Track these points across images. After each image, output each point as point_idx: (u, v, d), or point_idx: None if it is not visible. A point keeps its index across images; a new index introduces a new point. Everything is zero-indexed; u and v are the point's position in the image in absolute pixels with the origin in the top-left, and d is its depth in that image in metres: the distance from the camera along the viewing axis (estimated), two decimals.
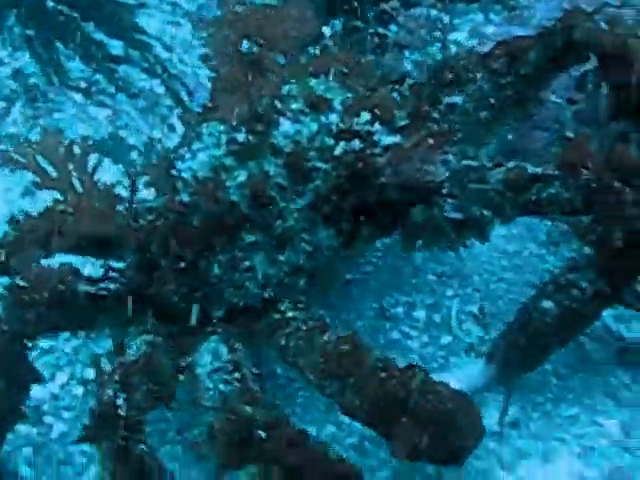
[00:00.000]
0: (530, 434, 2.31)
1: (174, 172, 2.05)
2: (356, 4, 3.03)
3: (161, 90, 3.58)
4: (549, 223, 2.70)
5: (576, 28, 2.03)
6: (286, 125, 2.00)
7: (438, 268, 2.68)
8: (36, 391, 2.27)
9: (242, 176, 1.99)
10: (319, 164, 1.97)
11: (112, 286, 2.09)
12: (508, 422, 2.33)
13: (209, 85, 2.25)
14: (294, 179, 1.98)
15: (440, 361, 2.45)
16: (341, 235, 2.01)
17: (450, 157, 1.98)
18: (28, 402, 2.21)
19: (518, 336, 2.15)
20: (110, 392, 1.92)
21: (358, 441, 2.30)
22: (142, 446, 1.91)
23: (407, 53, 2.93)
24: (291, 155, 1.98)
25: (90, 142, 2.28)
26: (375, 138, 1.97)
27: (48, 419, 2.38)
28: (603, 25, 2.02)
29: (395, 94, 2.09)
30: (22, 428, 2.29)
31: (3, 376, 2.11)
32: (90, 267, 2.36)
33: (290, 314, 2.00)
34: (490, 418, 2.31)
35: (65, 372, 2.48)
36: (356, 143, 1.97)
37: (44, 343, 2.51)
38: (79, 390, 2.45)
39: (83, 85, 3.63)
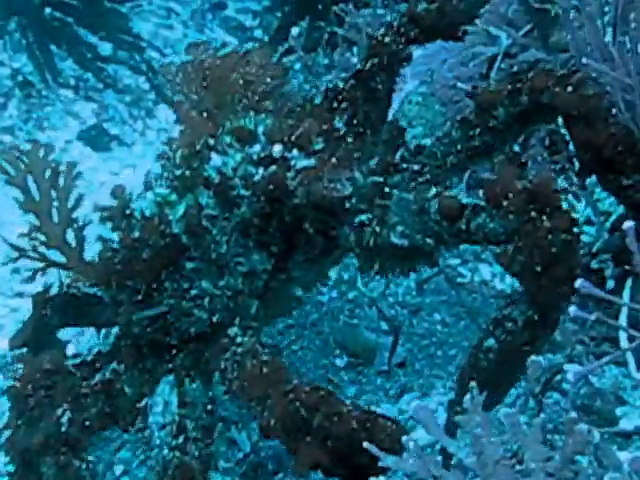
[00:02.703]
0: (414, 372, 2.62)
1: (127, 211, 2.18)
2: (320, 7, 3.34)
3: (146, 86, 3.93)
4: None
5: (545, 91, 2.06)
6: (216, 159, 2.12)
7: None
8: None
9: (181, 210, 2.13)
10: (243, 191, 2.09)
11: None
12: (396, 363, 2.65)
13: None
14: (223, 208, 2.11)
15: (347, 314, 2.78)
16: (273, 258, 2.14)
17: (357, 174, 2.11)
18: None
19: (470, 378, 2.10)
20: (60, 411, 2.15)
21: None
22: (83, 465, 2.14)
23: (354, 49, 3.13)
24: (218, 185, 2.10)
25: (75, 171, 2.25)
26: (291, 163, 2.08)
27: None
28: (570, 89, 2.05)
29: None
30: None
31: None
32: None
33: (239, 340, 2.14)
34: (382, 359, 2.64)
35: None
36: (273, 169, 2.07)
37: None
38: None
39: (73, 83, 3.96)
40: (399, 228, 2.10)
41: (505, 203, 1.98)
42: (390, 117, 2.33)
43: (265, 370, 2.03)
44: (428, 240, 2.08)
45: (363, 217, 2.13)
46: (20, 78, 3.99)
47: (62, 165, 2.21)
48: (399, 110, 2.28)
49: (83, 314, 2.35)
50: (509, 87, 2.10)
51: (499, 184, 2.00)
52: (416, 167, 2.19)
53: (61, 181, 2.22)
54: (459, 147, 2.18)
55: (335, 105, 2.31)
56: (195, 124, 2.16)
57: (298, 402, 1.90)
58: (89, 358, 2.26)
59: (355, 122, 2.27)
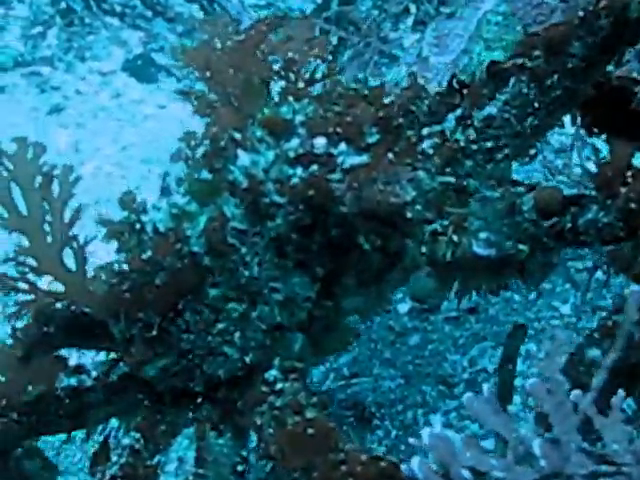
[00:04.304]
0: (487, 319, 2.48)
1: (138, 226, 1.85)
2: None
3: (200, 15, 3.87)
4: None
5: (630, 4, 1.71)
6: (243, 157, 1.76)
7: None
8: None
9: (202, 223, 1.79)
10: (277, 198, 1.74)
11: (95, 373, 1.95)
12: (466, 308, 2.50)
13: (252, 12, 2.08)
14: (253, 220, 1.77)
15: None
16: (318, 282, 1.79)
17: (421, 173, 1.75)
18: None
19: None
20: None
21: None
22: None
23: None
24: (246, 191, 1.75)
25: (74, 176, 1.95)
26: (337, 160, 1.73)
27: None
28: None
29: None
30: None
31: None
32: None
33: (279, 385, 1.81)
34: (450, 303, 2.40)
35: None
36: (313, 168, 1.73)
37: None
38: None
39: (119, 10, 3.93)
40: (483, 235, 1.76)
41: (623, 190, 1.69)
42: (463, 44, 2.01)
43: (311, 431, 1.70)
44: (521, 247, 1.75)
45: (436, 224, 1.79)
46: (62, 5, 3.89)
47: (56, 169, 1.94)
48: (476, 31, 1.93)
49: (92, 335, 1.98)
50: (580, 13, 1.74)
51: (613, 166, 1.72)
52: (489, 144, 1.82)
53: (55, 189, 1.91)
54: (536, 104, 1.81)
55: None
56: (219, 115, 1.83)
57: (353, 477, 1.61)
58: (89, 383, 1.94)
59: None
